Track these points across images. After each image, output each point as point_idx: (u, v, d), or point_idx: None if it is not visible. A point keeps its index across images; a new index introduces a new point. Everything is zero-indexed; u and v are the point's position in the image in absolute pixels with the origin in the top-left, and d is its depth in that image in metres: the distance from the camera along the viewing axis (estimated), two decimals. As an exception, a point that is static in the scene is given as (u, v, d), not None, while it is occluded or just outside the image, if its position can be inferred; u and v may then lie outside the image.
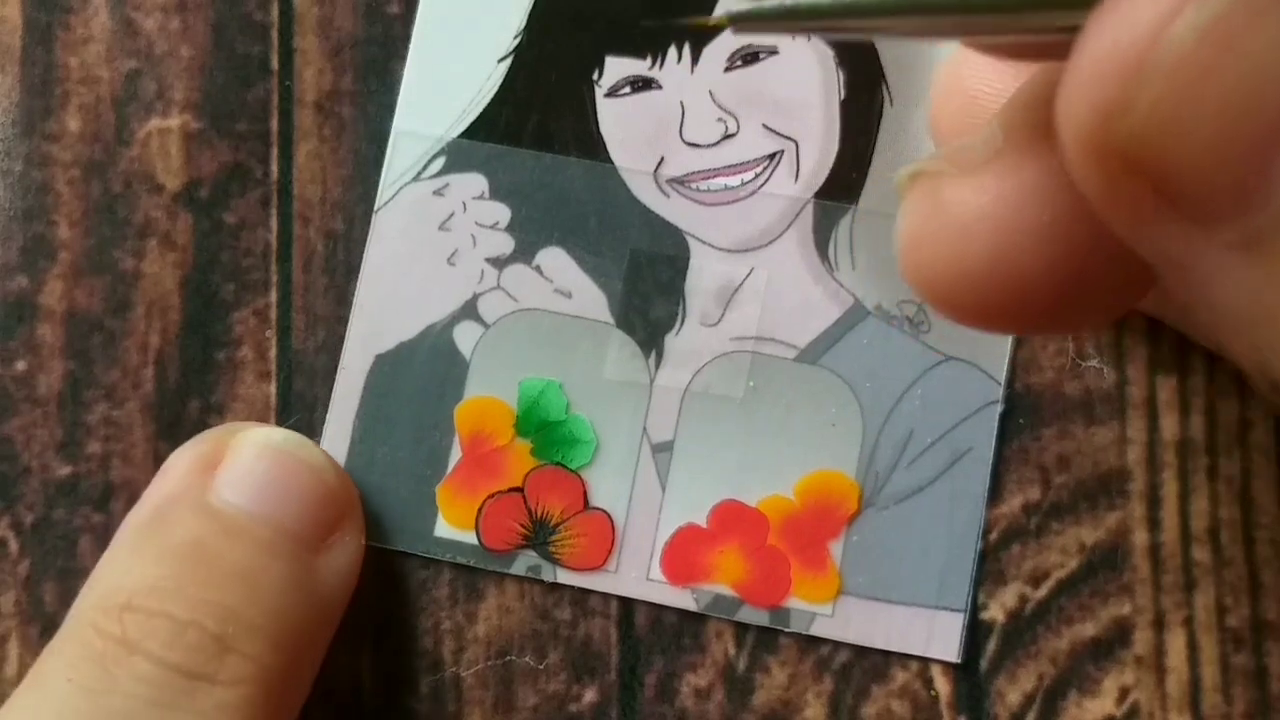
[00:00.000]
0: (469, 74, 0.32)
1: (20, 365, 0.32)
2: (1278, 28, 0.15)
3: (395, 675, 0.31)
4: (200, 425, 0.31)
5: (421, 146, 0.32)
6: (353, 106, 0.32)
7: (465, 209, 0.31)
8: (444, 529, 0.31)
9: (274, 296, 0.32)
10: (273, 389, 0.31)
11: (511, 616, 0.31)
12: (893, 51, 0.31)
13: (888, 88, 0.31)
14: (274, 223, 0.32)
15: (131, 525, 0.29)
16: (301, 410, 0.31)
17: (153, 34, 0.32)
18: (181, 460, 0.29)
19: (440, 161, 0.32)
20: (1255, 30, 0.15)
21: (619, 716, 0.31)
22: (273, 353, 0.32)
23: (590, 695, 0.31)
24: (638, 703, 0.31)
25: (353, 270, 0.31)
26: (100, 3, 0.32)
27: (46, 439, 0.31)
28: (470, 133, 0.32)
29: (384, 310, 0.31)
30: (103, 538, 0.31)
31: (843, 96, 0.31)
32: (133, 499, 0.31)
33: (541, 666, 0.31)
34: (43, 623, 0.31)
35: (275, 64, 0.32)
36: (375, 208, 0.31)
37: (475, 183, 0.32)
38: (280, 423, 0.31)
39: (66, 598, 0.31)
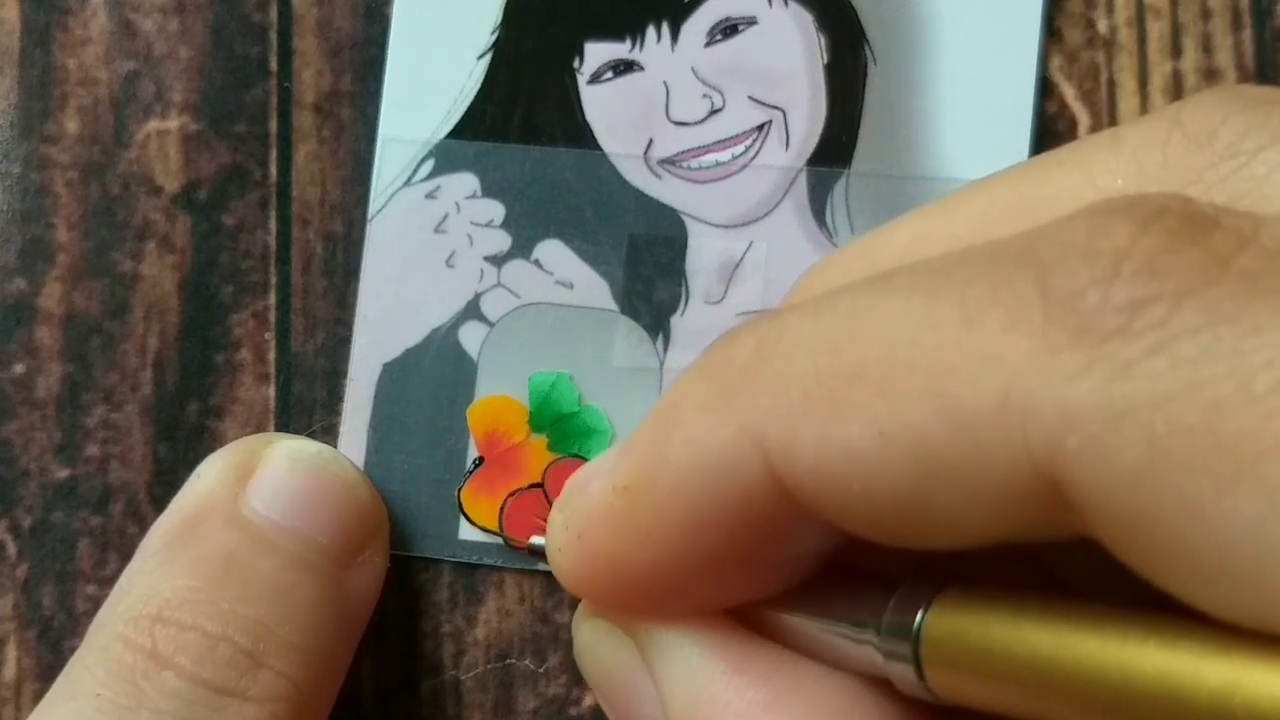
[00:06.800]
0: (450, 74, 0.32)
1: (19, 368, 0.31)
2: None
3: (394, 679, 0.31)
4: (199, 428, 0.31)
5: (409, 151, 0.31)
6: (352, 108, 0.32)
7: (459, 209, 0.31)
8: (468, 531, 0.31)
9: (273, 299, 0.31)
10: (272, 392, 0.31)
11: (511, 620, 0.31)
12: (874, 11, 0.31)
13: (870, 47, 0.31)
14: (273, 225, 0.32)
15: (161, 533, 0.28)
16: (301, 412, 0.31)
17: (151, 35, 0.32)
18: (213, 469, 0.29)
19: (429, 164, 0.31)
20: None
21: None
22: (272, 355, 0.31)
23: (590, 699, 0.30)
24: (637, 706, 0.30)
25: (352, 272, 0.31)
26: (99, 4, 0.32)
27: (45, 442, 0.31)
28: (457, 132, 0.31)
29: (387, 319, 0.31)
30: (101, 541, 0.31)
31: (826, 61, 0.31)
32: (131, 502, 0.31)
33: (541, 670, 0.31)
34: (41, 626, 0.31)
35: (274, 65, 0.32)
36: (369, 216, 0.31)
37: (466, 182, 0.31)
38: (280, 426, 0.31)
39: (65, 601, 0.31)
